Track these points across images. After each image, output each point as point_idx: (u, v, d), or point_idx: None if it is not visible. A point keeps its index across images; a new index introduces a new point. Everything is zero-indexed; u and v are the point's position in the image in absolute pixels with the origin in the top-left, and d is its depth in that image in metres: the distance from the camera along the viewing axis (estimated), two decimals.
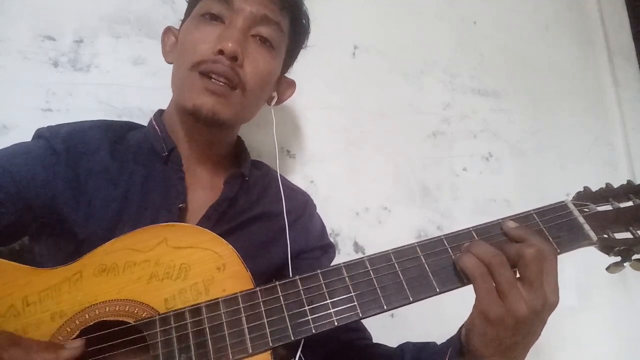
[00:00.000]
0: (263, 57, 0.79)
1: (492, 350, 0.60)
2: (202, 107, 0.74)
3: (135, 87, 1.05)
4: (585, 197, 0.69)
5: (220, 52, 0.73)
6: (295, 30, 0.87)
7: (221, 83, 0.74)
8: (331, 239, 0.99)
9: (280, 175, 0.92)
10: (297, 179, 1.15)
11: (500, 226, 0.65)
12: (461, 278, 0.61)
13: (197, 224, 0.76)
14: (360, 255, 1.17)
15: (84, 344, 0.55)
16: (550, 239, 0.64)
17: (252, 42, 0.78)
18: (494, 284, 0.58)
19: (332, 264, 0.92)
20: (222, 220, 0.79)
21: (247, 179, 0.85)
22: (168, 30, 0.89)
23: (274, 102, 0.91)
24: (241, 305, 0.59)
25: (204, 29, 0.77)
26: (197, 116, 0.75)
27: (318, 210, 0.99)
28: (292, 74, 0.95)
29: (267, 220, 0.85)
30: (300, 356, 0.62)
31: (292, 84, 0.95)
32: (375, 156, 1.28)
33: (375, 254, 0.63)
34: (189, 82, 0.76)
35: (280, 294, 0.60)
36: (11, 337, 0.53)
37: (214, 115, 0.74)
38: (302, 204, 0.94)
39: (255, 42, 0.78)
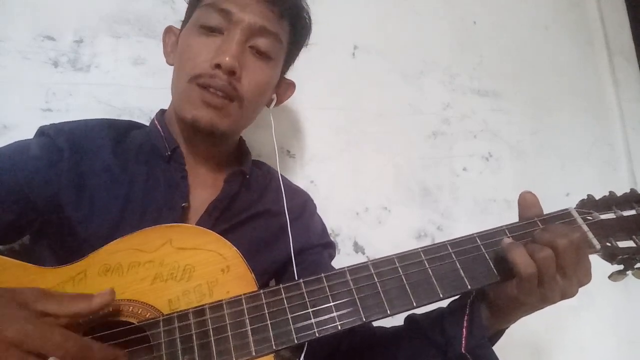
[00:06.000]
0: (261, 69, 0.79)
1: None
2: (201, 120, 0.75)
3: (135, 87, 1.05)
4: (588, 204, 0.69)
5: (218, 66, 0.74)
6: (296, 31, 0.86)
7: (219, 95, 0.75)
8: (331, 239, 0.99)
9: (280, 174, 0.93)
10: (297, 179, 1.15)
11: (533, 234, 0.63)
12: (464, 284, 0.61)
13: (197, 221, 0.76)
14: (360, 255, 1.18)
15: (113, 292, 0.56)
16: None
17: (249, 53, 0.78)
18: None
19: (333, 264, 0.92)
20: (222, 217, 0.79)
21: (248, 176, 0.85)
22: (169, 29, 0.89)
23: (273, 104, 0.90)
24: (245, 307, 0.59)
25: (202, 40, 0.77)
26: (196, 127, 0.76)
27: (318, 210, 0.99)
28: (292, 74, 0.95)
29: (268, 218, 0.85)
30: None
31: (291, 85, 0.94)
32: (375, 156, 1.28)
33: (379, 259, 0.63)
34: (187, 93, 0.76)
35: (284, 296, 0.60)
36: (42, 290, 0.54)
37: (212, 127, 0.76)
38: (302, 203, 0.94)
39: (252, 54, 0.78)
